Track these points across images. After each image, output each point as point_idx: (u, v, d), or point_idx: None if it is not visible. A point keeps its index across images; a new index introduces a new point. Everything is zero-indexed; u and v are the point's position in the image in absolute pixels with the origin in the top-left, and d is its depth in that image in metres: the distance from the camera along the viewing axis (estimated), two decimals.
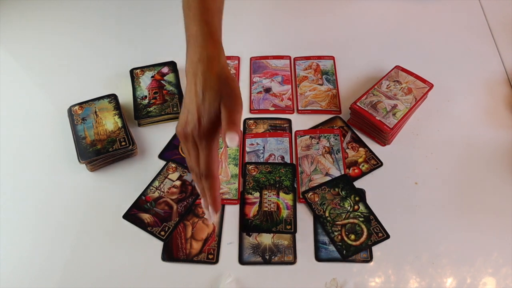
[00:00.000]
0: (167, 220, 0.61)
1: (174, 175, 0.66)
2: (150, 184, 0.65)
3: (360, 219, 0.60)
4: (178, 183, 0.65)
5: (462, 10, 0.86)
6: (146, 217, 0.62)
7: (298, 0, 0.89)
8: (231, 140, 0.50)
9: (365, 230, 0.59)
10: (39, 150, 0.69)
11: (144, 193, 0.64)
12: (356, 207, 0.61)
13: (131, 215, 0.62)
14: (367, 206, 0.61)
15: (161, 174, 0.66)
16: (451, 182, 0.64)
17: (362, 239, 0.59)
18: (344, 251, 0.58)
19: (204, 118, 0.53)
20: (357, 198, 0.62)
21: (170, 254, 0.59)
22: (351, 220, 0.60)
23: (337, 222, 0.60)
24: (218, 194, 0.54)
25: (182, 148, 0.55)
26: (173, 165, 0.67)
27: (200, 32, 0.59)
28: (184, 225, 0.61)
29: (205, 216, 0.60)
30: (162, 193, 0.64)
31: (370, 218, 0.60)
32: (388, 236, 0.59)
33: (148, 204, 0.63)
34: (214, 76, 0.55)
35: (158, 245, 0.60)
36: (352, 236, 0.59)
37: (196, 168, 0.53)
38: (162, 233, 0.60)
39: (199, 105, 0.53)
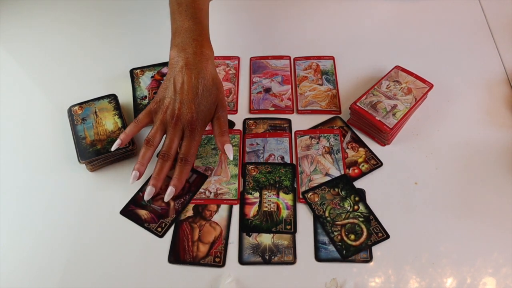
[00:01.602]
0: (164, 217, 0.62)
1: (171, 172, 0.66)
2: (147, 181, 0.65)
3: (360, 219, 0.60)
4: None
5: (462, 10, 0.86)
6: (143, 213, 0.62)
7: (298, 0, 0.89)
8: (228, 151, 0.61)
9: (365, 230, 0.59)
10: (39, 150, 0.69)
11: (141, 189, 0.64)
12: (356, 207, 0.61)
13: (129, 211, 0.62)
14: (367, 206, 0.61)
15: None
16: (451, 182, 0.64)
17: (362, 239, 0.59)
18: (344, 251, 0.58)
19: (199, 114, 0.60)
20: (357, 198, 0.62)
21: (177, 256, 0.59)
22: (351, 220, 0.60)
23: (337, 222, 0.60)
24: (186, 177, 0.62)
25: (156, 129, 0.61)
26: None
27: (194, 28, 0.63)
28: (191, 228, 0.61)
29: (145, 195, 0.60)
30: (159, 189, 0.64)
31: (370, 218, 0.60)
32: (388, 236, 0.59)
33: (145, 200, 0.63)
34: (209, 76, 0.61)
35: (161, 245, 0.60)
36: (352, 236, 0.59)
37: (173, 151, 0.60)
38: (159, 229, 0.61)
39: (195, 100, 0.60)
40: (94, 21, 0.88)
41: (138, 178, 0.61)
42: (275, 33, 0.84)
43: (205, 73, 0.60)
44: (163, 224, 0.61)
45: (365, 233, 0.59)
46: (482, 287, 0.55)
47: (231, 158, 0.61)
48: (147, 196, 0.60)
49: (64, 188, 0.65)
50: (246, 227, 0.61)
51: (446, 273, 0.56)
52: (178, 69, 0.60)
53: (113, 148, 0.62)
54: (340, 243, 0.58)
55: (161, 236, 0.60)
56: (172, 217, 0.62)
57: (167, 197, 0.60)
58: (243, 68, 0.79)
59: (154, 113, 0.62)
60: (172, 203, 0.63)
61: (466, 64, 0.77)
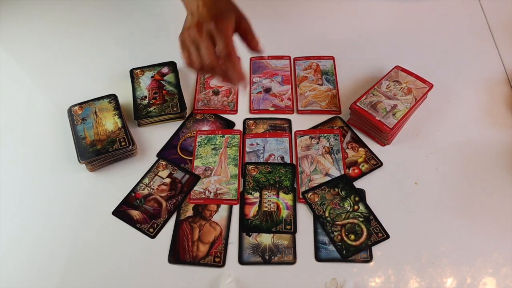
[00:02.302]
0: (156, 217, 0.62)
1: (164, 173, 0.66)
2: (140, 181, 0.65)
3: (360, 219, 0.60)
4: (168, 180, 0.65)
5: (462, 10, 0.86)
6: (135, 214, 0.62)
7: (298, 0, 0.89)
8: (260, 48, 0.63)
9: (365, 230, 0.59)
10: (39, 150, 0.69)
11: (134, 190, 0.64)
12: (356, 207, 0.61)
13: (120, 212, 0.62)
14: (367, 206, 0.61)
15: (151, 171, 0.66)
16: (451, 182, 0.64)
17: (362, 239, 0.59)
18: (344, 251, 0.58)
19: (218, 11, 0.60)
20: (356, 198, 0.62)
21: (177, 256, 0.59)
22: (351, 220, 0.60)
23: (337, 222, 0.60)
24: (241, 67, 0.61)
25: (185, 46, 0.60)
26: (163, 163, 0.67)
27: None
28: (191, 228, 0.61)
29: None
30: (151, 190, 0.64)
31: (370, 218, 0.60)
32: (388, 236, 0.59)
33: (137, 201, 0.63)
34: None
35: (161, 245, 0.60)
36: (352, 236, 0.59)
37: (213, 57, 0.59)
38: (151, 230, 0.61)
39: (211, 9, 0.60)
40: (94, 21, 0.88)
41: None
42: (275, 33, 0.84)
43: None
44: (155, 224, 0.61)
45: (365, 233, 0.59)
46: (482, 287, 0.55)
47: (261, 52, 0.64)
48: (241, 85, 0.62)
49: (64, 188, 0.65)
50: (246, 227, 0.61)
51: (446, 273, 0.56)
52: (192, 3, 0.61)
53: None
54: (340, 243, 0.58)
55: (153, 237, 0.60)
56: (164, 217, 0.62)
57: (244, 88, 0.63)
58: (243, 68, 0.79)
59: (183, 42, 0.61)
60: (164, 204, 0.63)
61: (466, 64, 0.77)
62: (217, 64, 0.59)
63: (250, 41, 0.63)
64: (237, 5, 0.64)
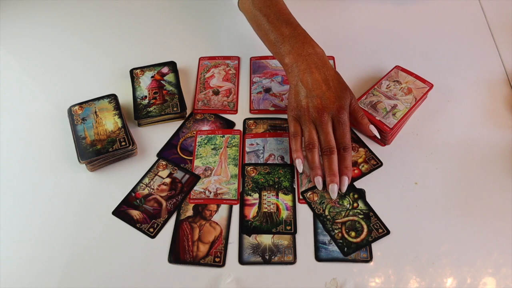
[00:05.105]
0: (156, 217, 0.62)
1: (164, 173, 0.66)
2: (140, 181, 0.65)
3: (360, 216, 0.60)
4: (168, 180, 0.65)
5: (462, 10, 0.86)
6: (135, 213, 0.62)
7: (298, 0, 0.89)
8: (374, 130, 0.64)
9: (365, 226, 0.59)
10: (39, 150, 0.69)
11: (134, 189, 0.64)
12: (355, 204, 0.61)
13: (120, 212, 0.62)
14: (366, 203, 0.61)
15: (151, 171, 0.66)
16: (451, 182, 0.64)
17: (363, 236, 0.59)
18: (346, 248, 0.58)
19: (340, 101, 0.62)
20: (355, 196, 0.62)
21: (177, 256, 0.59)
22: (351, 218, 0.60)
23: (337, 220, 0.60)
24: (351, 163, 0.62)
25: (310, 130, 0.62)
26: (163, 163, 0.67)
27: (295, 32, 0.66)
28: (191, 227, 0.61)
29: (331, 194, 0.61)
30: (151, 190, 0.64)
31: (369, 215, 0.60)
32: (388, 232, 0.59)
33: (137, 201, 0.63)
34: (330, 67, 0.64)
35: (161, 245, 0.60)
36: (353, 233, 0.59)
37: (333, 143, 0.61)
38: (151, 230, 0.61)
39: (330, 90, 0.62)
40: (94, 21, 0.88)
41: (323, 184, 0.62)
42: None
43: (327, 66, 0.64)
44: (155, 224, 0.61)
45: (365, 230, 0.59)
46: (482, 287, 0.55)
47: (378, 136, 0.64)
48: (333, 194, 0.61)
49: (64, 188, 0.65)
50: (246, 228, 0.61)
51: (446, 273, 0.56)
52: (301, 72, 0.63)
53: (300, 169, 0.62)
54: (341, 241, 0.58)
55: (153, 237, 0.60)
56: (165, 217, 0.62)
57: (344, 187, 0.61)
58: (243, 68, 0.79)
59: (298, 118, 0.63)
60: (164, 204, 0.63)
61: (466, 64, 0.77)
62: (335, 151, 0.61)
63: (360, 119, 0.64)
64: (343, 79, 0.65)
